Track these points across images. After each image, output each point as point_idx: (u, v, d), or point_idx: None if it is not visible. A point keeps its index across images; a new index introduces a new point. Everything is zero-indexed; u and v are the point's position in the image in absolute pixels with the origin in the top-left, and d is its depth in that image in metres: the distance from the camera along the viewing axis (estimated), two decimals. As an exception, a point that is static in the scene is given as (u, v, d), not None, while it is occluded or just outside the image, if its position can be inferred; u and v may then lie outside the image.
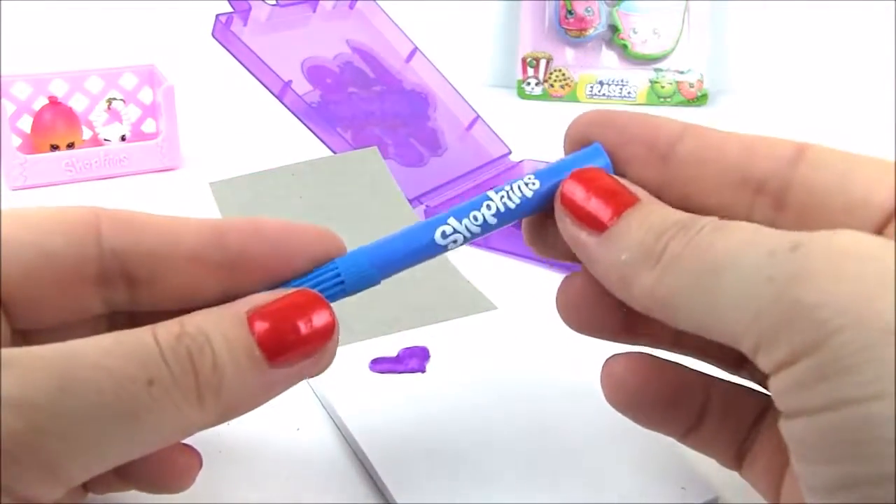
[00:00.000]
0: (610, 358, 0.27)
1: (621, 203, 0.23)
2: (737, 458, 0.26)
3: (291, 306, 0.23)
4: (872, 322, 0.18)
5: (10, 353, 0.19)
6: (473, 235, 0.25)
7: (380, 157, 0.48)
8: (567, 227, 0.24)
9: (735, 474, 0.27)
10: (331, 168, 0.46)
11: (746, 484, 0.27)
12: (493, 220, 0.25)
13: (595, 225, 0.23)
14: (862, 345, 0.18)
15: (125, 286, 0.24)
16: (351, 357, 0.36)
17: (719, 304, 0.21)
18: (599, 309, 0.26)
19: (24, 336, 0.23)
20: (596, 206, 0.24)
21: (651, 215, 0.23)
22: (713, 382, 0.26)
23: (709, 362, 0.27)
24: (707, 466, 0.28)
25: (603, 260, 0.23)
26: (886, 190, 0.23)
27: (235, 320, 0.22)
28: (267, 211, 0.44)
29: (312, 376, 0.24)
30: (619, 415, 0.27)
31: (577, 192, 0.24)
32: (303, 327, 0.23)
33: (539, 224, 0.26)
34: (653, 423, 0.27)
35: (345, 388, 0.34)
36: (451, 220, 0.25)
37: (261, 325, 0.22)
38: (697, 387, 0.26)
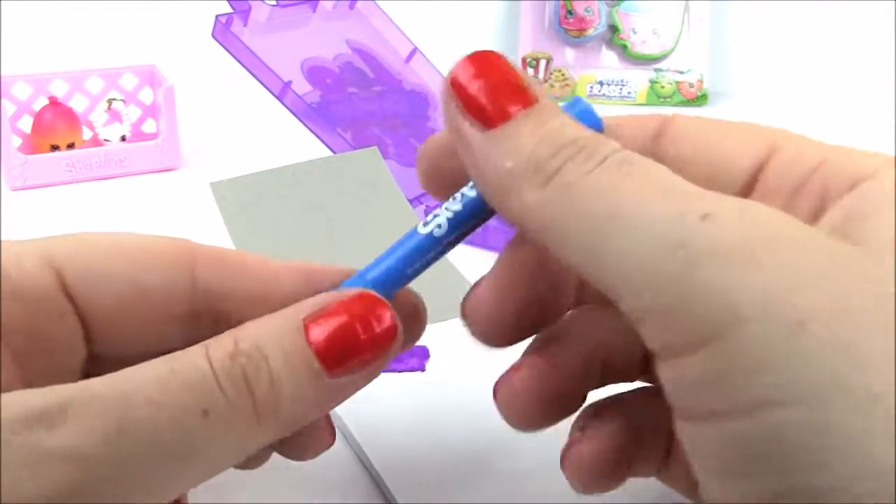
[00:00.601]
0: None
1: (517, 100, 0.20)
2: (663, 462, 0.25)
3: (350, 310, 0.21)
4: (786, 314, 0.16)
5: (67, 395, 0.18)
6: (458, 216, 0.22)
7: (380, 158, 0.48)
8: (451, 113, 0.21)
9: None
10: (331, 168, 0.46)
11: None
12: (471, 192, 0.22)
13: (483, 117, 0.20)
14: (774, 338, 0.16)
15: (211, 322, 0.23)
16: None
17: (609, 253, 0.18)
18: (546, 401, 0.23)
19: (95, 360, 0.23)
20: (488, 97, 0.20)
21: (548, 123, 0.20)
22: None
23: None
24: None
25: (485, 161, 0.20)
26: (749, 154, 0.21)
27: (292, 329, 0.21)
28: (266, 211, 0.44)
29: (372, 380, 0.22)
30: None
31: (470, 74, 0.21)
32: (363, 333, 0.21)
33: (438, 159, 0.23)
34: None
35: None
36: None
37: (318, 334, 0.21)
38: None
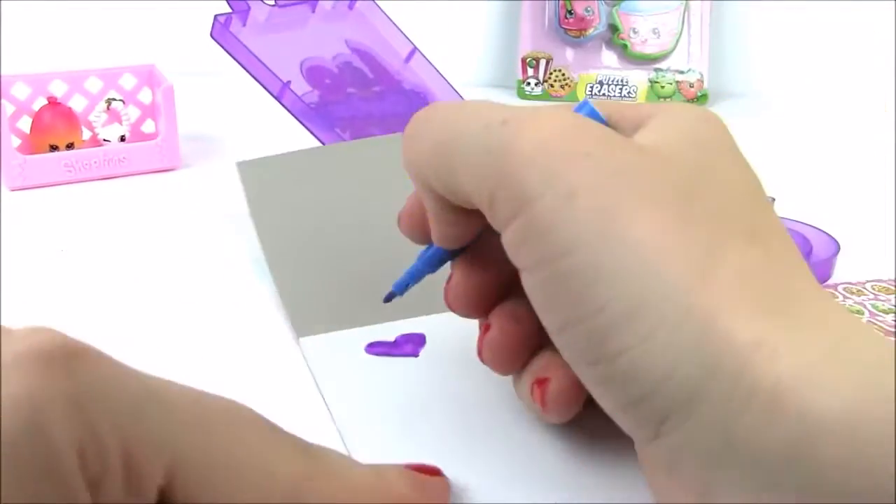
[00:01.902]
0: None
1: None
2: None
3: None
4: (561, 188, 0.22)
5: None
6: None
7: None
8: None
9: None
10: (357, 152, 0.46)
11: None
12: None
13: None
14: (552, 209, 0.22)
15: None
16: (351, 340, 0.37)
17: (456, 170, 0.25)
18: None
19: None
20: None
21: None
22: None
23: None
24: None
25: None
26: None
27: None
28: (289, 192, 0.44)
29: None
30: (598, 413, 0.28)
31: None
32: None
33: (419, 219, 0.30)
34: None
35: (335, 366, 0.35)
36: None
37: None
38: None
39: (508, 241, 0.24)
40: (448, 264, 0.31)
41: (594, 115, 0.27)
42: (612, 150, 0.23)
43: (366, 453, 0.30)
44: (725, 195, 0.23)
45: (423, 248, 0.32)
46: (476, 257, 0.29)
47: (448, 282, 0.30)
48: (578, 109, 0.27)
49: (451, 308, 0.30)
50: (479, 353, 0.29)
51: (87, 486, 0.18)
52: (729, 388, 0.20)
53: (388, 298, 0.33)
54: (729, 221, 0.23)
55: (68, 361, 0.19)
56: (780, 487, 0.20)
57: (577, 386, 0.27)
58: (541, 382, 0.28)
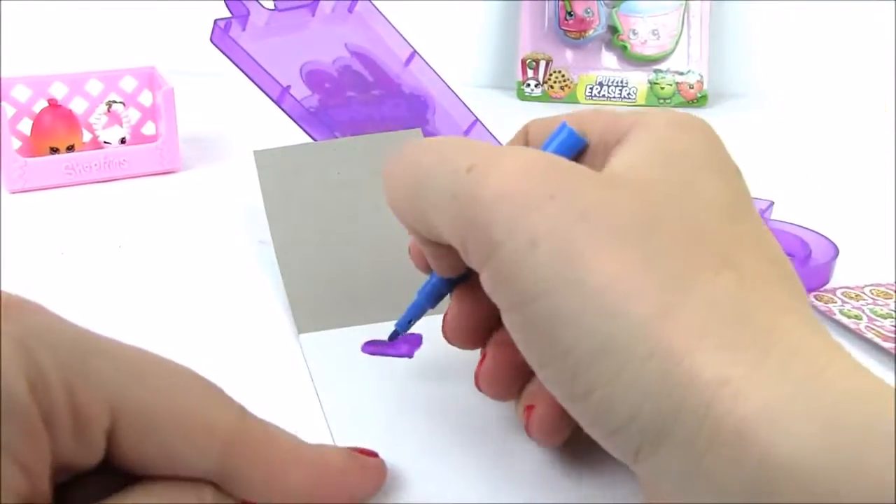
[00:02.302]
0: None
1: None
2: None
3: None
4: (523, 236, 0.22)
5: None
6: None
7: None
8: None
9: None
10: (373, 146, 0.46)
11: None
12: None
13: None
14: (516, 257, 0.22)
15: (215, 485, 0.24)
16: (350, 338, 0.38)
17: (428, 214, 0.25)
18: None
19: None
20: None
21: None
22: None
23: None
24: None
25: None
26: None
27: None
28: (303, 183, 0.44)
29: None
30: None
31: None
32: None
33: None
34: None
35: (332, 364, 0.36)
36: None
37: None
38: None
39: (484, 283, 0.24)
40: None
41: (572, 137, 0.27)
42: (576, 191, 0.23)
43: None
44: (696, 218, 0.23)
45: (426, 277, 0.32)
46: (472, 290, 0.30)
47: (445, 316, 0.30)
48: (558, 133, 0.27)
49: (449, 341, 0.31)
50: (476, 383, 0.30)
51: (42, 423, 0.20)
52: (693, 427, 0.21)
53: (393, 337, 0.34)
54: (697, 249, 0.23)
55: (10, 309, 0.21)
56: None
57: (562, 415, 0.27)
58: (528, 409, 0.29)
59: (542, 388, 0.28)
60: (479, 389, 0.30)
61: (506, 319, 0.24)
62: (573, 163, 0.25)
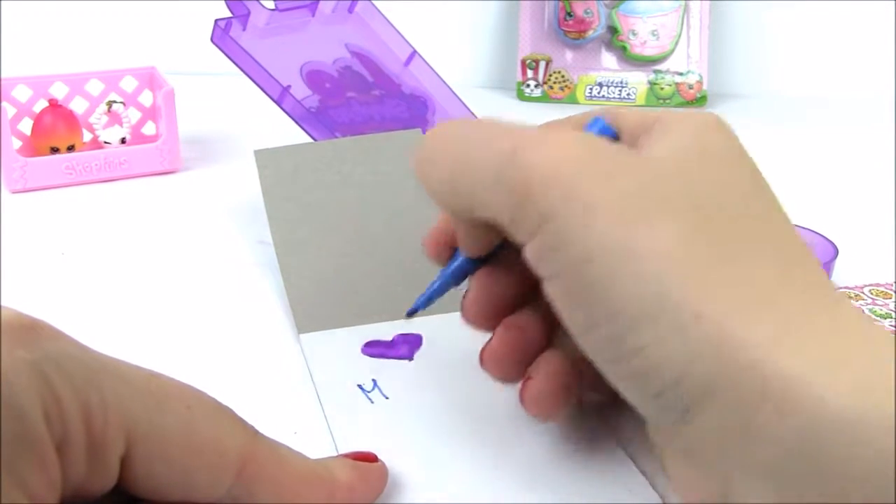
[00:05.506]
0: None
1: None
2: None
3: None
4: (580, 205, 0.23)
5: None
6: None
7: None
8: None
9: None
10: (374, 146, 0.46)
11: None
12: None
13: None
14: (573, 224, 0.24)
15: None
16: (349, 338, 0.38)
17: (473, 196, 0.26)
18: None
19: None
20: None
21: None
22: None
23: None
24: (657, 472, 0.30)
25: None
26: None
27: None
28: (304, 182, 0.44)
29: None
30: (579, 419, 0.31)
31: None
32: None
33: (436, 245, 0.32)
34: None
35: (332, 364, 0.36)
36: None
37: None
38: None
39: (530, 254, 0.25)
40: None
41: (606, 131, 0.28)
42: (630, 165, 0.25)
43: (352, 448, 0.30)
44: (735, 205, 0.25)
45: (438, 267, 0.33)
46: (493, 272, 0.31)
47: (465, 296, 0.31)
48: (591, 126, 0.28)
49: (468, 320, 0.31)
50: (481, 361, 0.31)
51: (55, 450, 0.20)
52: (745, 386, 0.22)
53: (411, 313, 0.34)
54: (740, 230, 0.24)
55: (26, 333, 0.20)
56: (791, 482, 0.21)
57: (557, 389, 0.29)
58: (526, 381, 0.30)
59: (543, 362, 0.30)
60: (484, 369, 0.31)
61: (551, 287, 0.25)
62: (621, 144, 0.26)
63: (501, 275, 0.31)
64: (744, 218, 0.25)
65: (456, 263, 0.32)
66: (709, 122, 0.27)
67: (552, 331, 0.31)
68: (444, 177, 0.28)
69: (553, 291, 0.25)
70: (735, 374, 0.22)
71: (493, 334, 0.30)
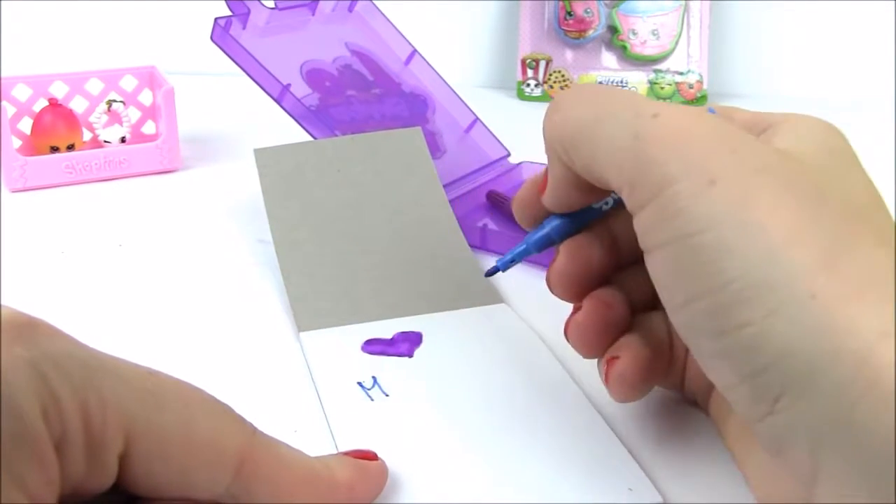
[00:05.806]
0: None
1: None
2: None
3: None
4: (701, 175, 0.24)
5: None
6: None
7: (422, 138, 0.48)
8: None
9: (682, 477, 0.30)
10: (374, 144, 0.46)
11: (693, 486, 0.29)
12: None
13: None
14: (691, 192, 0.24)
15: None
16: (350, 336, 0.38)
17: (596, 151, 0.26)
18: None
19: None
20: None
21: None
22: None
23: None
24: (657, 469, 0.30)
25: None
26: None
27: None
28: (303, 181, 0.44)
29: None
30: (580, 417, 0.32)
31: None
32: None
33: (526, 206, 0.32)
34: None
35: (332, 362, 0.36)
36: None
37: None
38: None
39: (642, 221, 0.25)
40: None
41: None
42: (754, 147, 0.25)
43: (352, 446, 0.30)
44: (854, 200, 0.25)
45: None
46: (582, 244, 0.31)
47: (551, 264, 0.32)
48: None
49: (551, 288, 0.32)
50: (566, 332, 0.31)
51: (53, 449, 0.20)
52: (849, 373, 0.21)
53: (491, 273, 0.35)
54: (858, 222, 0.24)
55: (25, 331, 0.20)
56: (889, 480, 0.20)
57: (643, 370, 0.30)
58: (610, 360, 0.30)
59: (628, 342, 0.30)
60: (568, 340, 0.31)
61: (657, 256, 0.25)
62: (741, 131, 0.26)
63: (589, 248, 0.31)
64: (865, 213, 0.25)
65: (543, 231, 0.32)
66: (829, 126, 0.28)
67: (633, 314, 0.31)
68: (569, 125, 0.28)
69: (658, 261, 0.25)
70: (840, 360, 0.21)
71: (582, 308, 0.31)
